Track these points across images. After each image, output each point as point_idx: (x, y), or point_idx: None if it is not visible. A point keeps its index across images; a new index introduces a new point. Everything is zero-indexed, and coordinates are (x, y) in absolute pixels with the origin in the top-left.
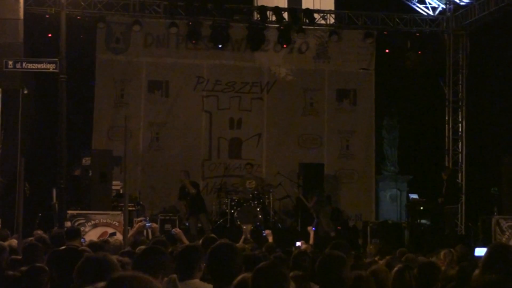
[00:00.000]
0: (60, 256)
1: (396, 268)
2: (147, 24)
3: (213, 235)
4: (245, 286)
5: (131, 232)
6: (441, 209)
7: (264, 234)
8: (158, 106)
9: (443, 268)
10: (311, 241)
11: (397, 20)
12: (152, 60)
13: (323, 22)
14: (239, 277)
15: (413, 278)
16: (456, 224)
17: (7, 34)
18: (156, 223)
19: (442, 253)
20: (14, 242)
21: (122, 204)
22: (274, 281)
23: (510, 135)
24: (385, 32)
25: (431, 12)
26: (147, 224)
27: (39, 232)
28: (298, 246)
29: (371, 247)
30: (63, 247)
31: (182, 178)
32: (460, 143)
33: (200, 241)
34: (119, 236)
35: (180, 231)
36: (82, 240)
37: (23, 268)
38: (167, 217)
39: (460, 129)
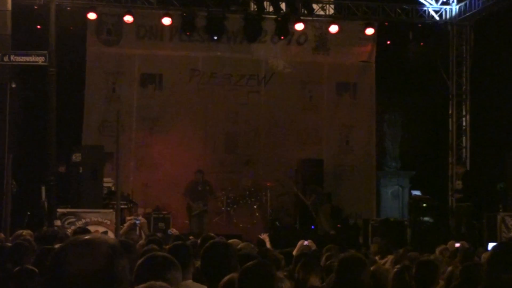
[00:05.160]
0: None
1: (395, 269)
2: (139, 15)
3: (212, 234)
4: (232, 286)
5: (122, 231)
6: (449, 205)
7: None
8: (151, 100)
9: (444, 266)
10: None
11: (399, 11)
12: (145, 53)
13: (322, 12)
14: (226, 277)
15: (412, 277)
16: (473, 224)
17: None
18: (149, 222)
19: (437, 250)
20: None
21: (114, 202)
22: (261, 281)
23: None
24: (386, 23)
25: (434, 3)
26: (136, 222)
27: (25, 232)
28: (306, 245)
29: (375, 246)
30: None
31: (197, 179)
32: (464, 137)
33: (199, 240)
34: (111, 235)
35: (177, 231)
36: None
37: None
38: (161, 215)
39: (464, 123)
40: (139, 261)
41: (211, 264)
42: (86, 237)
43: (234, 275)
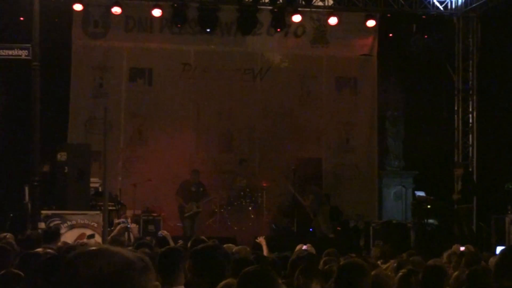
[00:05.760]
0: (35, 261)
1: (400, 273)
2: (128, 6)
3: (203, 237)
4: None
5: (111, 235)
6: (454, 207)
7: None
8: (141, 95)
9: (451, 271)
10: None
11: (401, 1)
12: (134, 46)
13: (320, 3)
14: (222, 283)
15: (418, 283)
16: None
17: None
18: (139, 224)
19: (445, 255)
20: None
21: (101, 203)
22: (261, 285)
23: None
24: (389, 15)
25: None
26: (128, 226)
27: (8, 235)
28: (304, 250)
29: (376, 249)
30: (37, 250)
31: (192, 179)
32: (470, 135)
33: (189, 244)
34: (98, 238)
35: (168, 233)
36: (159, 234)
37: None
38: (150, 218)
39: (470, 120)
40: None
41: (200, 267)
42: (99, 248)
43: (231, 280)
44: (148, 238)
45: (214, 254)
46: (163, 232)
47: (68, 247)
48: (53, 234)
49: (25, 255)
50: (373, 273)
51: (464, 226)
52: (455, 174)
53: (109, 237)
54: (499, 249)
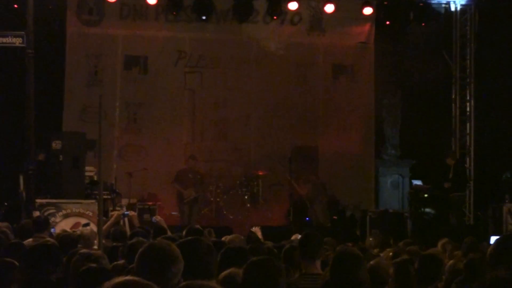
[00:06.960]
0: (30, 250)
1: (398, 260)
2: None
3: (198, 226)
4: (232, 281)
5: (107, 223)
6: (447, 196)
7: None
8: (136, 84)
9: (446, 260)
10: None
11: None
12: (128, 33)
13: None
14: (225, 272)
15: (414, 271)
16: (463, 213)
17: None
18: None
19: (439, 244)
20: None
21: (96, 192)
22: (268, 275)
23: None
24: (386, 2)
25: None
26: (125, 213)
27: (2, 224)
28: None
29: (371, 239)
30: (31, 239)
31: (189, 165)
32: (468, 124)
33: (184, 232)
34: (93, 227)
35: (162, 218)
36: (52, 229)
37: None
38: (146, 206)
39: (468, 109)
40: (139, 252)
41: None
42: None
43: (233, 270)
44: (150, 231)
45: (194, 248)
46: (156, 218)
47: (65, 235)
48: (44, 223)
49: (12, 244)
50: (372, 262)
51: (452, 215)
52: (447, 163)
53: (106, 227)
54: (493, 239)
